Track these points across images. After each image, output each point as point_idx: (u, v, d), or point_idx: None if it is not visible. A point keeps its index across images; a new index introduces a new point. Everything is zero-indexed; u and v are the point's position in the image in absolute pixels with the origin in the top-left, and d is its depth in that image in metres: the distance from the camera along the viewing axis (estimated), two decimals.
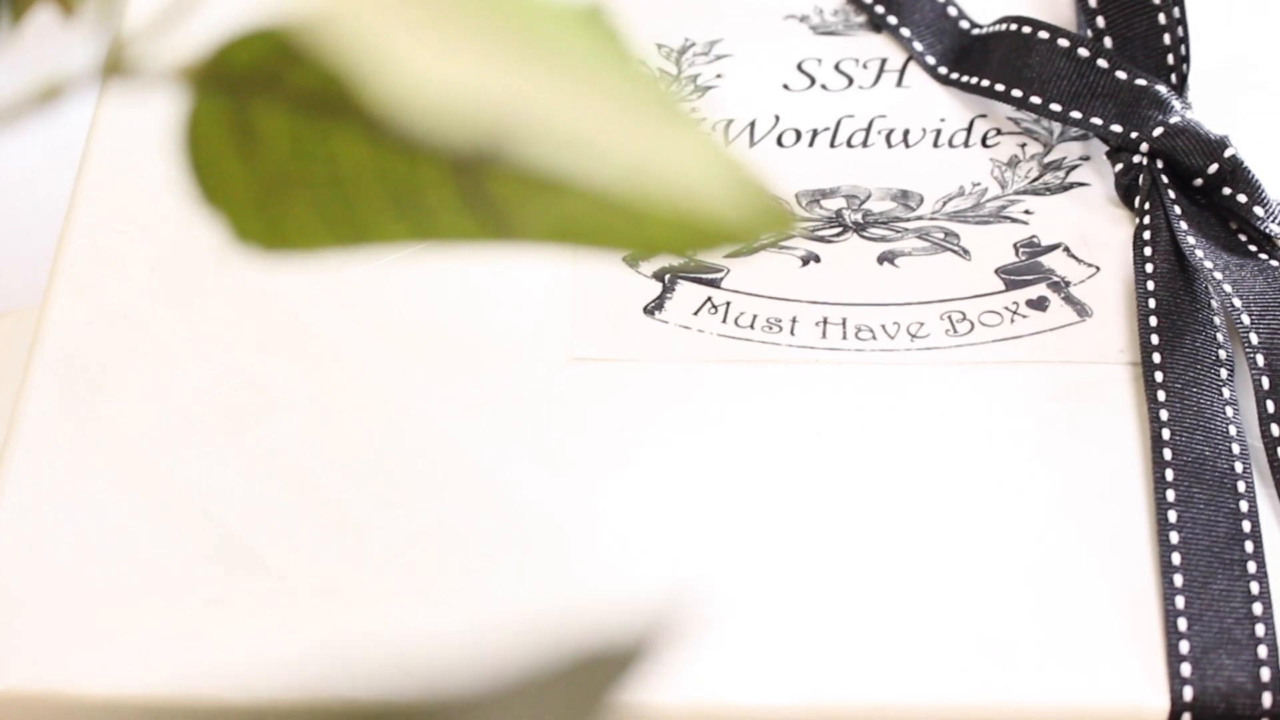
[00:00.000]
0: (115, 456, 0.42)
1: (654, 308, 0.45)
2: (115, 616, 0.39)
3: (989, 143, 0.49)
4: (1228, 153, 0.45)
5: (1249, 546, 0.40)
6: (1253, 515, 0.40)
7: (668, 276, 0.45)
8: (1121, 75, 0.47)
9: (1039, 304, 0.45)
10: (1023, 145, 0.48)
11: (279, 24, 0.21)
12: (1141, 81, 0.47)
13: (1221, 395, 0.42)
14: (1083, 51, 0.47)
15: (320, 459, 0.42)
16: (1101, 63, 0.47)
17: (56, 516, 0.41)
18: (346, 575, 0.40)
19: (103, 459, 0.42)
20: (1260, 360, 0.42)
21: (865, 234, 0.46)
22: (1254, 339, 0.42)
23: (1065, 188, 0.47)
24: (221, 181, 0.22)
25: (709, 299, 0.45)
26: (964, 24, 0.51)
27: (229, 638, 0.39)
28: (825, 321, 0.45)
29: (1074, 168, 0.48)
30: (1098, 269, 0.46)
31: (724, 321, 0.45)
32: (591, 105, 0.17)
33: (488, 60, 0.17)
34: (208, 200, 0.23)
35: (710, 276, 0.45)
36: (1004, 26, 0.49)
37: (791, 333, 0.44)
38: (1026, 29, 0.48)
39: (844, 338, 0.44)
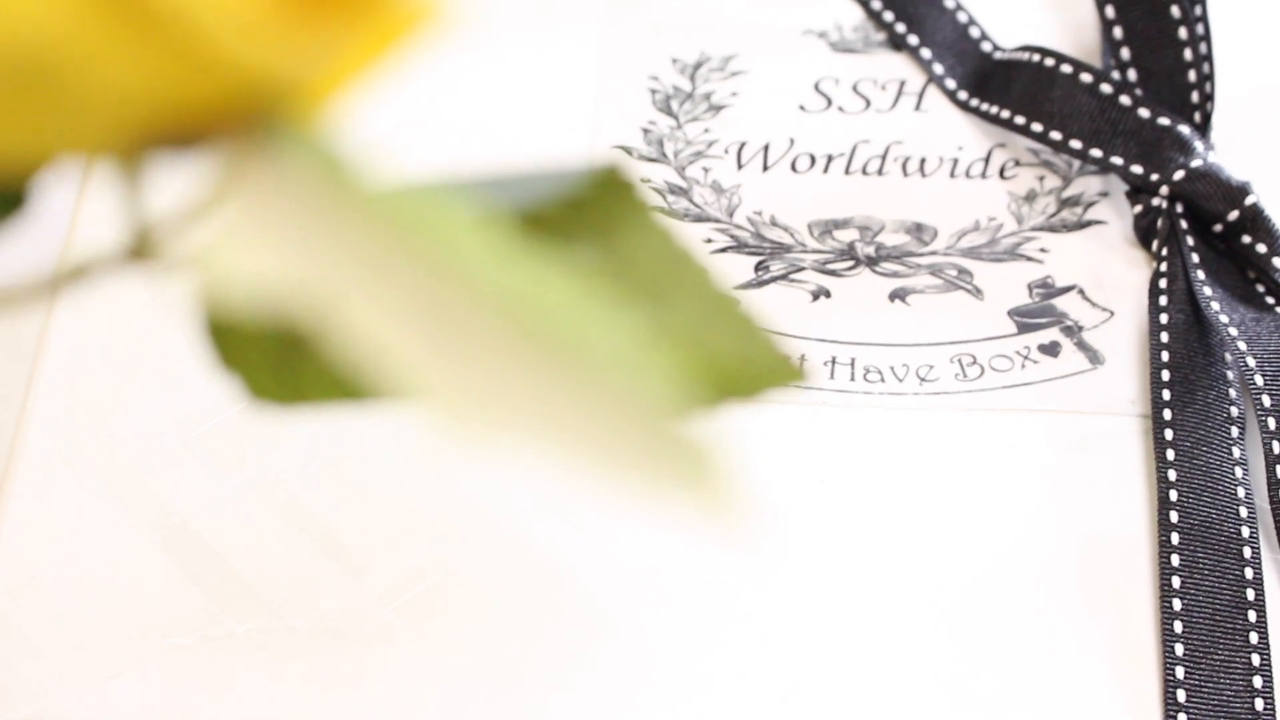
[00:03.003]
0: (115, 485, 0.42)
1: None
2: (115, 652, 0.39)
3: (1006, 175, 0.48)
4: (1248, 200, 0.45)
5: (1252, 616, 0.40)
6: (1257, 583, 0.40)
7: None
8: (1144, 114, 0.46)
9: (1051, 349, 0.44)
10: (1041, 178, 0.48)
11: None
12: (1164, 121, 0.46)
13: (1231, 455, 0.42)
14: (1105, 88, 0.46)
15: (320, 493, 0.42)
16: (1124, 100, 0.46)
17: (57, 547, 0.41)
18: (344, 615, 0.40)
19: (103, 487, 0.42)
20: (1272, 424, 0.42)
21: (877, 269, 0.46)
22: (1266, 401, 0.42)
23: (1082, 225, 0.47)
24: (238, 346, 0.22)
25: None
26: (985, 46, 0.50)
27: (227, 676, 0.39)
28: (834, 361, 0.44)
29: (1092, 204, 0.47)
30: (1112, 313, 0.45)
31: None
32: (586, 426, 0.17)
33: (482, 370, 0.16)
34: (225, 364, 0.22)
35: None
36: (1026, 56, 0.48)
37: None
38: (1049, 61, 0.47)
39: (852, 379, 0.44)
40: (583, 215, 0.24)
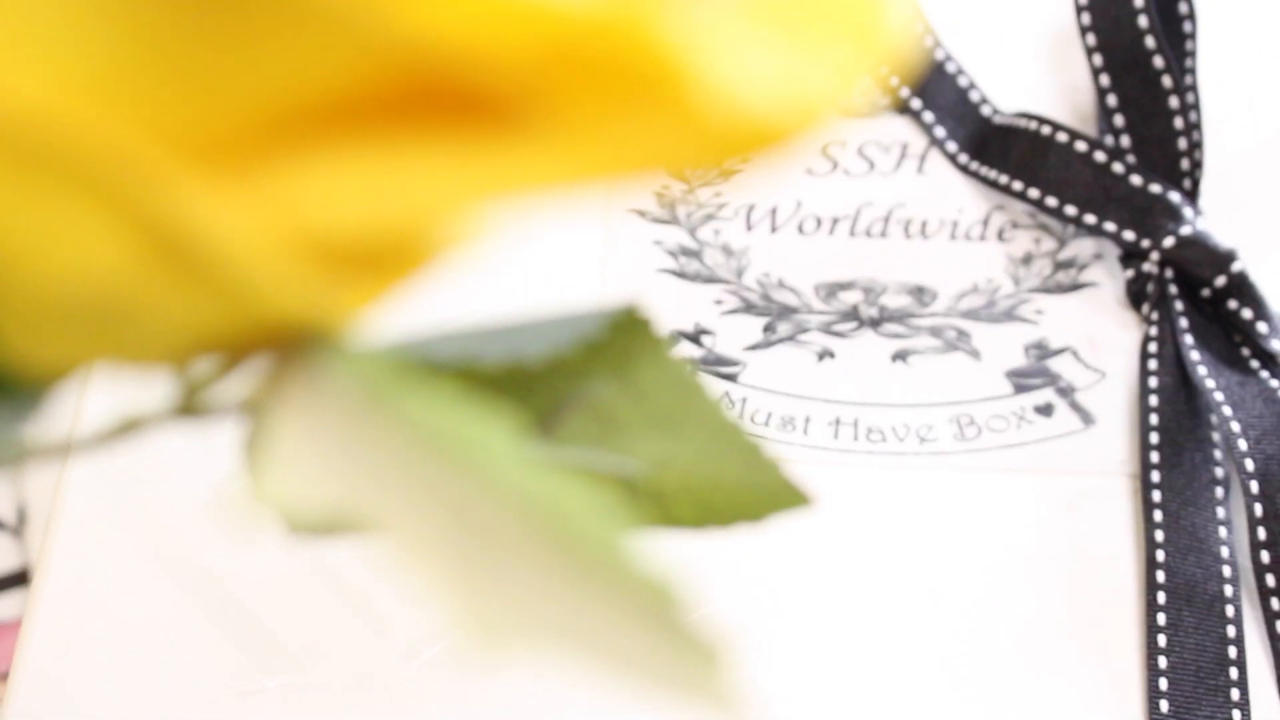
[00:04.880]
0: (152, 543, 0.44)
1: None
2: (152, 707, 0.41)
3: (1004, 237, 0.50)
4: (1235, 266, 0.47)
5: (1234, 673, 0.42)
6: (1239, 641, 0.42)
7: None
8: (1136, 181, 0.48)
9: (1045, 410, 0.46)
10: (1037, 240, 0.50)
11: None
12: (1155, 188, 0.48)
13: (1215, 516, 0.44)
14: (1099, 156, 0.48)
15: (347, 552, 0.44)
16: (1117, 168, 0.48)
17: (96, 605, 0.43)
18: (371, 670, 0.42)
19: (140, 545, 0.44)
20: (1254, 487, 0.43)
21: (880, 330, 0.48)
22: (1249, 465, 0.44)
23: (1076, 287, 0.49)
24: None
25: (726, 394, 0.47)
26: (985, 110, 0.52)
27: None
28: (838, 421, 0.46)
29: (1085, 266, 0.49)
30: (1104, 374, 0.47)
31: (739, 418, 0.46)
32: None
33: (504, 577, 0.18)
34: (262, 499, 0.24)
35: (728, 371, 0.47)
36: (1024, 123, 0.50)
37: (805, 432, 0.46)
38: (1046, 129, 0.49)
39: (855, 439, 0.46)
40: (601, 354, 0.26)
